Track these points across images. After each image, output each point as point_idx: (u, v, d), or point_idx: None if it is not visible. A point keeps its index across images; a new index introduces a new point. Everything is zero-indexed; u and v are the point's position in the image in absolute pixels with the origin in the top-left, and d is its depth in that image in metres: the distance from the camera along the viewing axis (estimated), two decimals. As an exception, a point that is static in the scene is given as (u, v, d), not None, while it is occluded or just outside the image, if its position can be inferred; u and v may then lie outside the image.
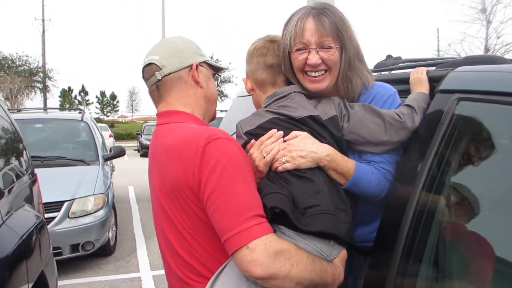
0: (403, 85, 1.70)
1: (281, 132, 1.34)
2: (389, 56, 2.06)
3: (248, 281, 1.16)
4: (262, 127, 1.38)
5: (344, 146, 1.39)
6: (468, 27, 39.32)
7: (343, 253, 1.35)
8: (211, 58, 38.40)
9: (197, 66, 1.38)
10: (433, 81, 1.50)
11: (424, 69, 1.57)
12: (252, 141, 1.38)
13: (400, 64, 1.96)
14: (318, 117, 1.36)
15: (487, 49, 18.02)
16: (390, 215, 1.39)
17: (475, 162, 1.31)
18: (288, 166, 1.28)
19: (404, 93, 1.68)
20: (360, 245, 1.57)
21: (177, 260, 1.28)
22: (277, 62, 1.43)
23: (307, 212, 1.21)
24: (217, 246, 1.19)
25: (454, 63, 1.56)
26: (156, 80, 1.37)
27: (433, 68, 1.67)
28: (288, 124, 1.36)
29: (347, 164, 1.33)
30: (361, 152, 1.44)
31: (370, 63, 2.13)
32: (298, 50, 1.38)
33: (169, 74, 1.35)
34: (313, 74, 1.40)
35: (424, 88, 1.51)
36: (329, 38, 1.36)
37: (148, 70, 1.39)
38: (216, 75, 1.51)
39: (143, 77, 1.43)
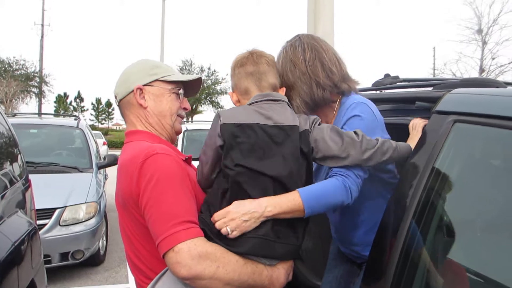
0: (400, 104, 1.73)
1: None
2: (387, 75, 2.09)
3: (184, 283, 1.27)
4: (242, 124, 1.35)
5: (311, 160, 1.41)
6: (464, 47, 39.81)
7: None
8: (208, 69, 37.88)
9: (140, 89, 1.50)
10: (430, 101, 1.53)
11: (423, 123, 1.54)
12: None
13: (398, 83, 1.99)
14: (297, 128, 1.39)
15: (482, 70, 18.28)
16: (384, 233, 1.41)
17: (470, 184, 1.33)
18: (236, 234, 1.29)
19: (400, 112, 1.71)
20: (352, 253, 1.62)
21: (132, 264, 1.43)
22: (256, 70, 1.46)
23: (244, 234, 1.29)
24: None
25: (451, 85, 1.59)
26: (117, 106, 1.59)
27: (430, 88, 1.70)
28: (265, 133, 1.35)
29: (290, 199, 1.31)
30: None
31: (369, 81, 2.17)
32: None
33: (121, 100, 1.55)
34: None
35: (413, 141, 1.49)
36: None
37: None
38: (180, 88, 1.56)
39: None
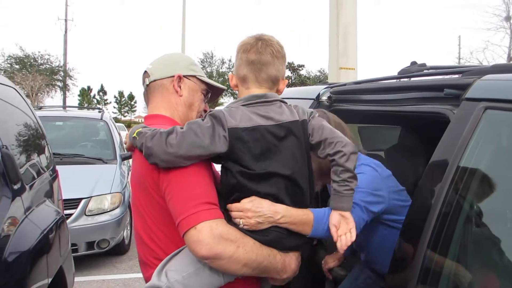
0: (428, 92, 1.68)
1: None
2: (413, 63, 2.04)
3: (200, 263, 1.28)
4: (248, 129, 1.32)
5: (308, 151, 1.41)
6: (491, 35, 38.43)
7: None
8: (229, 61, 38.05)
9: (180, 77, 1.57)
10: (459, 88, 1.48)
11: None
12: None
13: (425, 71, 1.94)
14: (297, 120, 1.39)
15: (510, 58, 17.71)
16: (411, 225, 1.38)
17: (501, 173, 1.29)
18: (247, 228, 1.32)
19: (428, 100, 1.67)
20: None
21: (142, 245, 1.44)
22: (258, 59, 1.39)
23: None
24: (176, 232, 1.29)
25: (481, 71, 1.53)
26: (146, 85, 1.60)
27: (459, 75, 1.65)
28: (270, 134, 1.33)
29: (303, 213, 1.37)
30: None
31: (395, 69, 2.12)
32: None
33: (155, 80, 1.58)
34: None
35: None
36: None
37: (143, 76, 1.63)
38: (209, 92, 1.66)
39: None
